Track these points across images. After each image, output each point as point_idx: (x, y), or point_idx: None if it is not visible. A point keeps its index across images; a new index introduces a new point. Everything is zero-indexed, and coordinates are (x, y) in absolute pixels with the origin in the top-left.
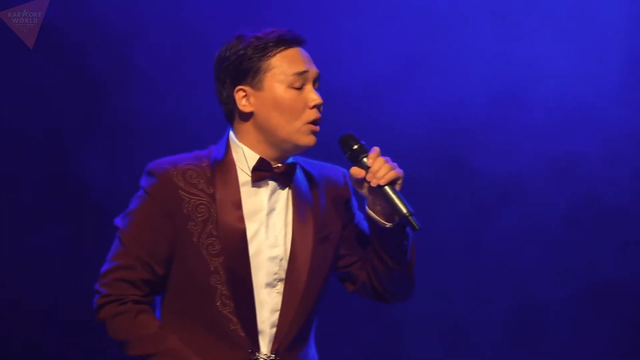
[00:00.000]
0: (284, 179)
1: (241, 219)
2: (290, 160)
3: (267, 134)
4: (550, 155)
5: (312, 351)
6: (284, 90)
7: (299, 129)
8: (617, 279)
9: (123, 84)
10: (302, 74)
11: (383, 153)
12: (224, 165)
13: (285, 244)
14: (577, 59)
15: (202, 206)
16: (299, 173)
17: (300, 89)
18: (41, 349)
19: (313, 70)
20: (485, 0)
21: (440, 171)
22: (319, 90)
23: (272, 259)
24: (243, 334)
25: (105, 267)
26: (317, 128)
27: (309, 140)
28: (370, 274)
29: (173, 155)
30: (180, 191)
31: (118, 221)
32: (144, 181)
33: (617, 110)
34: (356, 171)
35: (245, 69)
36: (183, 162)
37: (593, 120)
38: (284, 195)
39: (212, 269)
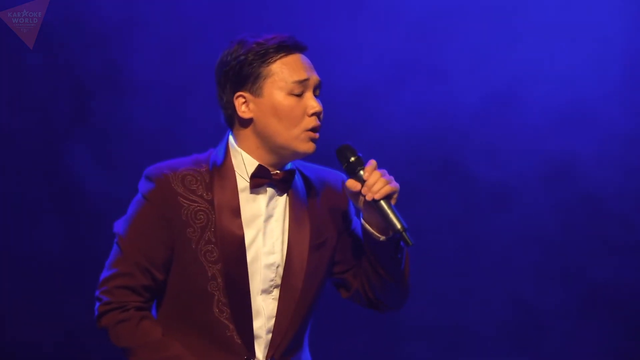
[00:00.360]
0: (283, 185)
1: (240, 226)
2: (289, 166)
3: (266, 141)
4: (546, 157)
5: (306, 355)
6: (284, 97)
7: (297, 136)
8: (614, 280)
9: (115, 85)
10: (302, 81)
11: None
12: (223, 170)
13: (282, 250)
14: (573, 59)
15: (200, 212)
16: (297, 178)
17: (300, 96)
18: (35, 350)
19: (314, 78)
20: (480, 1)
21: (435, 173)
22: (319, 97)
23: (269, 265)
24: (239, 341)
25: (104, 275)
26: (316, 135)
27: (307, 147)
28: (364, 283)
29: (172, 159)
30: (178, 197)
31: (116, 227)
32: (143, 186)
33: (613, 111)
34: (352, 184)
35: (246, 75)
36: (182, 167)
37: (589, 121)
38: (282, 202)
39: (210, 275)
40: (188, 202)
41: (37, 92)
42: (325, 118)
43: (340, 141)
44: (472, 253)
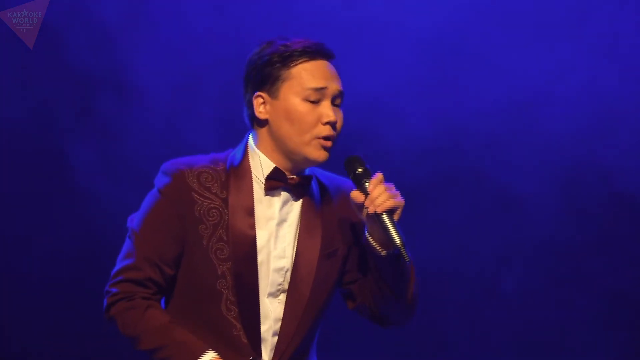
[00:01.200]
0: (298, 190)
1: (252, 226)
2: (306, 172)
3: (279, 144)
4: (564, 164)
5: None
6: (299, 103)
7: (308, 142)
8: (633, 289)
9: (118, 86)
10: (319, 89)
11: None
12: (240, 170)
13: (292, 256)
14: (595, 67)
15: (214, 210)
16: (314, 185)
17: (316, 102)
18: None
19: (333, 87)
20: (499, 11)
21: (451, 179)
22: (342, 107)
23: (278, 269)
24: (245, 341)
25: (115, 269)
26: (329, 143)
27: (318, 154)
28: (369, 296)
29: (190, 155)
30: (193, 193)
31: (130, 221)
32: (159, 180)
33: (635, 117)
34: (356, 195)
35: (266, 75)
36: (199, 164)
37: (612, 129)
38: (297, 207)
39: (220, 273)
40: (202, 199)
41: (41, 93)
42: (347, 125)
43: (356, 148)
44: (487, 260)
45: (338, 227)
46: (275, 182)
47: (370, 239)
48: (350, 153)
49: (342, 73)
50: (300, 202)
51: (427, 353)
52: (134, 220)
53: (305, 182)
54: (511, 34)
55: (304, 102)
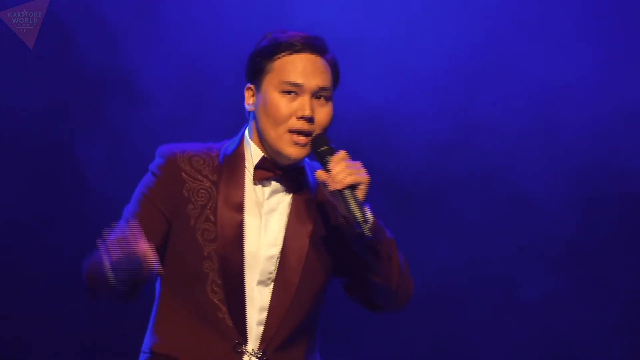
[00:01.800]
0: (289, 180)
1: (240, 209)
2: (301, 164)
3: (262, 136)
4: (579, 167)
5: (314, 358)
6: (276, 96)
7: (280, 136)
8: None
9: (126, 88)
10: (293, 84)
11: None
12: (232, 158)
13: (283, 244)
14: (611, 69)
15: (202, 191)
16: (309, 176)
17: (295, 95)
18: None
19: (311, 84)
20: (519, 12)
21: (471, 183)
22: (331, 100)
23: (269, 258)
24: (230, 324)
25: None
26: (301, 139)
27: (291, 151)
28: (359, 282)
29: (188, 142)
30: (182, 173)
31: (125, 210)
32: (153, 162)
33: None
34: (319, 173)
35: (255, 68)
36: (193, 149)
37: (629, 131)
38: (288, 197)
39: (206, 254)
40: (191, 180)
41: (50, 92)
42: (360, 122)
43: (364, 148)
44: (503, 261)
45: (330, 218)
46: (264, 172)
47: (342, 219)
48: (361, 152)
49: (354, 74)
50: (291, 192)
51: (442, 355)
52: (128, 203)
53: (295, 172)
54: (528, 36)
55: (281, 95)
